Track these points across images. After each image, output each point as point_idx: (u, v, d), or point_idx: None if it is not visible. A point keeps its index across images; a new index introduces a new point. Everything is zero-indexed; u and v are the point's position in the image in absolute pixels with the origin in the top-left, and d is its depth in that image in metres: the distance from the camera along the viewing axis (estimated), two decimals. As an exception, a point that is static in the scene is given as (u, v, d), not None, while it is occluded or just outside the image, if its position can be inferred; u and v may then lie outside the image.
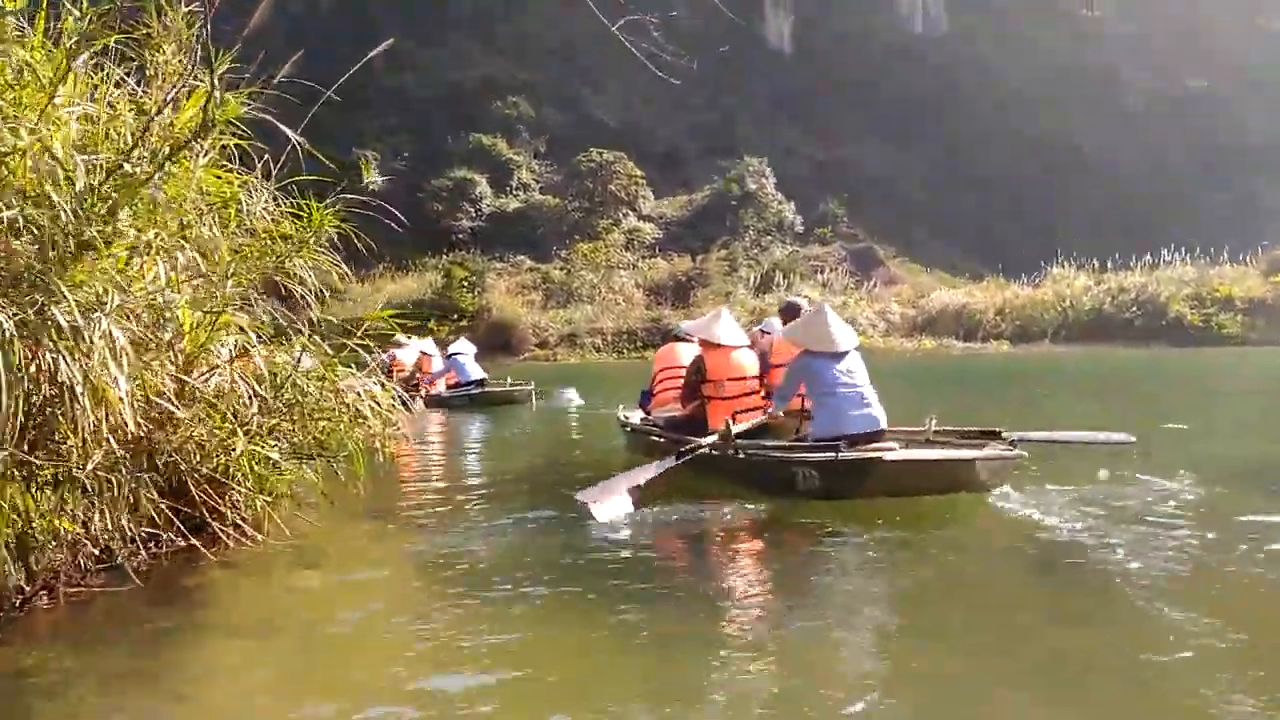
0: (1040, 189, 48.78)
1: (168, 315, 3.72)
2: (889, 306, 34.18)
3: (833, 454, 4.96)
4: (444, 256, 36.36)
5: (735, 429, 5.58)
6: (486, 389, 12.90)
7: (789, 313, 6.46)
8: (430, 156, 43.46)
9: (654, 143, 49.15)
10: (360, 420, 4.50)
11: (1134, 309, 30.09)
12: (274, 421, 4.24)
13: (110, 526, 3.54)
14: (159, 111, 3.69)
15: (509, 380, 13.44)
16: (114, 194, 3.35)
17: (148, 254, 3.64)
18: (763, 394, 6.32)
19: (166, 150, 3.63)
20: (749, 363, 6.35)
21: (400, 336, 15.18)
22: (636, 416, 7.63)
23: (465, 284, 33.11)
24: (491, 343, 29.40)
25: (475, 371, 13.09)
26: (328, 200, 4.28)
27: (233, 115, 3.81)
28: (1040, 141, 50.18)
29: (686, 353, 7.20)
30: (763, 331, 7.00)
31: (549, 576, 3.85)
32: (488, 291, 33.34)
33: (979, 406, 11.99)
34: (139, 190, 3.48)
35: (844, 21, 55.53)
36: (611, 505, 4.80)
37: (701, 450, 5.56)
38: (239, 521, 4.24)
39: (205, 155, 4.06)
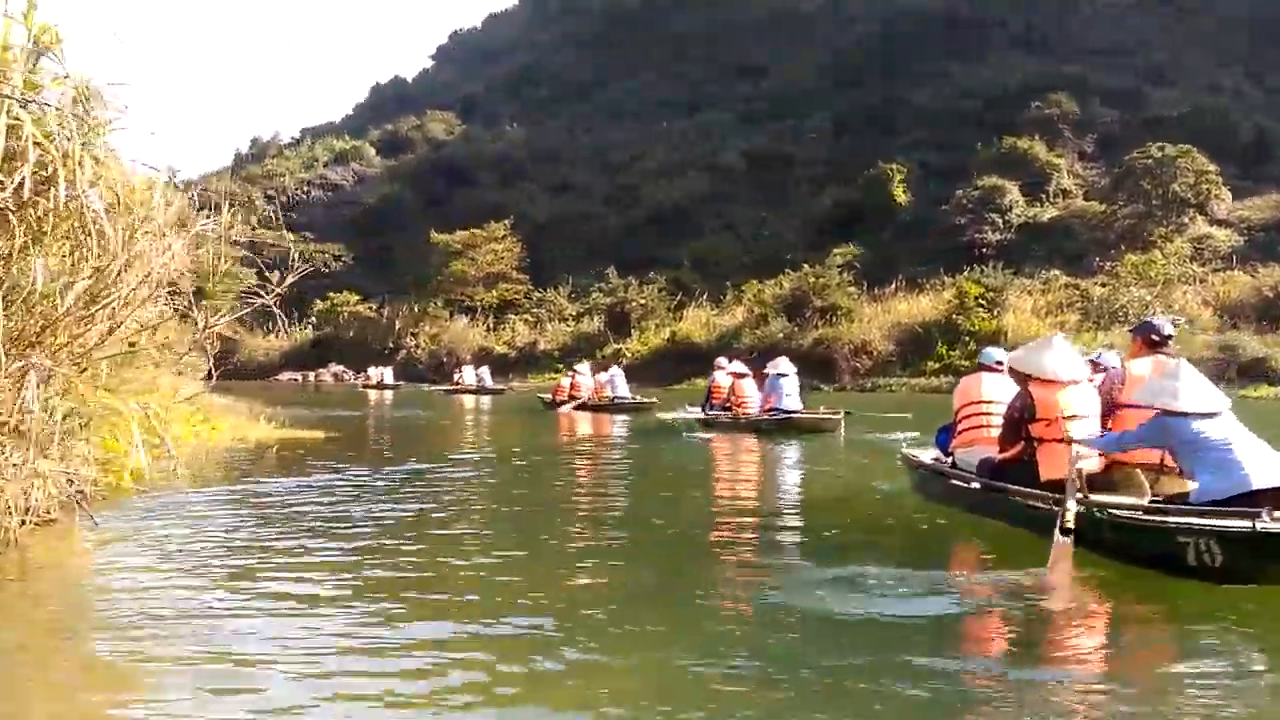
0: None
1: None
2: None
3: (1250, 521, 3.85)
4: (964, 273, 33.88)
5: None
6: (794, 415, 13.06)
7: (1148, 341, 5.44)
8: (959, 168, 41.07)
9: (1232, 134, 40.86)
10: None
11: None
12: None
13: None
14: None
15: (821, 408, 13.72)
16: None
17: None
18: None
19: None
20: (1089, 400, 5.43)
21: (721, 359, 16.37)
22: (928, 456, 7.04)
23: (981, 302, 30.32)
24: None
25: (793, 398, 13.24)
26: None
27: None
28: None
29: (992, 385, 6.38)
30: (1094, 363, 6.03)
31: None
32: (1007, 311, 30.21)
33: None
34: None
35: None
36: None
37: (1072, 513, 4.41)
38: None
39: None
